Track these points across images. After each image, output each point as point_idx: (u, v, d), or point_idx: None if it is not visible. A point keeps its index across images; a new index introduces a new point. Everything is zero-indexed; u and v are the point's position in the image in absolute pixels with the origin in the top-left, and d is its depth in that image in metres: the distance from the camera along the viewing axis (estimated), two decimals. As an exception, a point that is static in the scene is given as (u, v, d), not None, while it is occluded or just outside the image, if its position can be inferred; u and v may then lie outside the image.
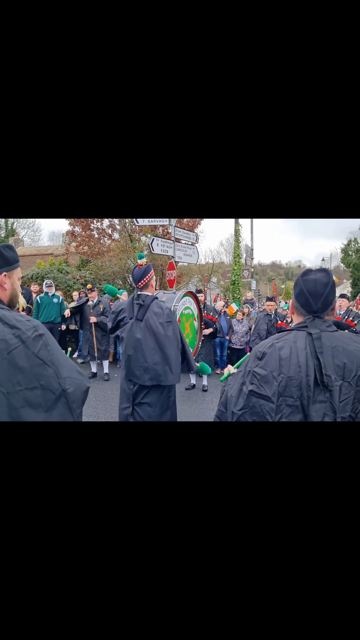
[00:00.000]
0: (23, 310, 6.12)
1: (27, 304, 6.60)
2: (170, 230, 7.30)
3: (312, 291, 1.13)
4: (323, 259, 28.09)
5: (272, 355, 1.11)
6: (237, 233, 9.18)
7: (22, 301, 6.08)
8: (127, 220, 11.88)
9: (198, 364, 2.92)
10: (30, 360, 1.02)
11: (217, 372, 6.99)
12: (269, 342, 1.16)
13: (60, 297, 6.73)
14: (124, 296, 7.06)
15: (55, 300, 6.52)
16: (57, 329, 6.50)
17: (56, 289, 7.36)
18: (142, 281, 2.44)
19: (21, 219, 22.79)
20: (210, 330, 5.60)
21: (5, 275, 1.15)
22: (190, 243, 7.77)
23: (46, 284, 6.62)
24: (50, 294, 6.50)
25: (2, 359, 0.98)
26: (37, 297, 6.52)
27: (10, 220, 21.66)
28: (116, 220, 12.58)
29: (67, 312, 6.13)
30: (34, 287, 7.29)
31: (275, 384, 1.07)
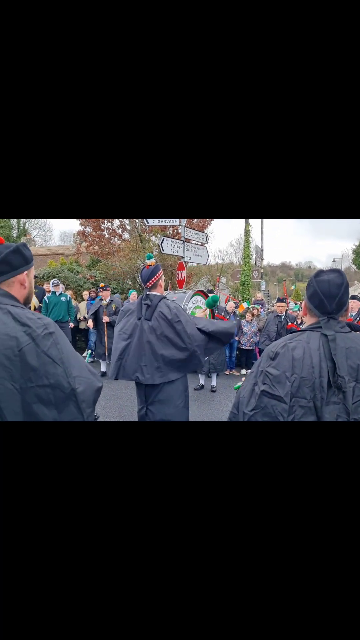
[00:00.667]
0: (35, 309, 6.19)
1: (40, 303, 6.67)
2: (180, 231, 7.32)
3: (326, 292, 1.12)
4: (334, 260, 27.78)
5: (285, 355, 1.10)
6: (247, 233, 9.14)
7: (34, 301, 6.16)
8: (137, 220, 11.94)
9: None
10: (40, 358, 1.03)
11: (226, 373, 6.97)
12: (282, 342, 1.15)
13: (68, 296, 6.78)
14: (133, 296, 7.12)
15: (63, 299, 6.58)
16: (66, 327, 6.55)
17: (66, 289, 7.43)
18: (150, 281, 2.44)
19: (33, 219, 23.08)
20: None
21: (25, 274, 1.19)
22: (200, 243, 7.78)
23: (53, 283, 6.66)
24: (57, 293, 6.55)
25: (14, 356, 0.99)
26: (45, 297, 6.58)
27: (22, 220, 21.94)
28: (126, 221, 12.65)
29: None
30: (46, 286, 7.37)
31: (288, 384, 1.06)
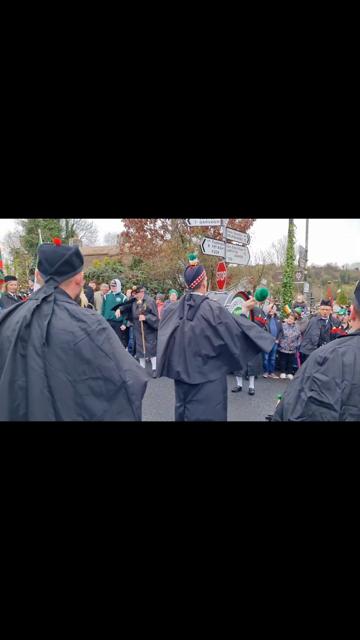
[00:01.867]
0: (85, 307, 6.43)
1: (89, 301, 6.97)
2: (221, 231, 7.30)
3: None
4: (385, 262, 26.05)
5: (335, 360, 1.05)
6: (290, 234, 8.87)
7: (84, 299, 6.42)
8: (179, 221, 12.06)
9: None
10: (94, 352, 1.10)
11: (264, 376, 6.84)
12: (330, 347, 1.10)
13: (124, 297, 6.98)
14: (172, 297, 7.22)
15: (118, 299, 6.77)
16: (118, 327, 6.70)
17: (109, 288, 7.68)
18: (194, 281, 2.48)
19: (80, 221, 24.07)
20: None
21: (81, 274, 1.29)
22: (241, 244, 7.71)
23: (111, 283, 6.93)
24: (114, 293, 6.77)
25: (69, 350, 1.07)
26: (105, 295, 6.81)
27: (70, 222, 22.99)
28: (168, 222, 12.83)
29: (117, 313, 6.39)
30: (92, 285, 7.70)
31: (338, 391, 1.01)
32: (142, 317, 6.01)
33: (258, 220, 13.31)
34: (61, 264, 1.20)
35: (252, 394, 5.56)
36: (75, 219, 23.30)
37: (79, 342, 1.09)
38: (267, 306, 6.93)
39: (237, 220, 12.38)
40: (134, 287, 6.48)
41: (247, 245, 7.93)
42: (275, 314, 6.88)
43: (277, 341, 6.75)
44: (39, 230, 7.91)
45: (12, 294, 5.53)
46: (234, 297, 3.58)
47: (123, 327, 7.11)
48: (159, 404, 4.92)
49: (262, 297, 2.69)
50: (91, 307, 6.80)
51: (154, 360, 6.44)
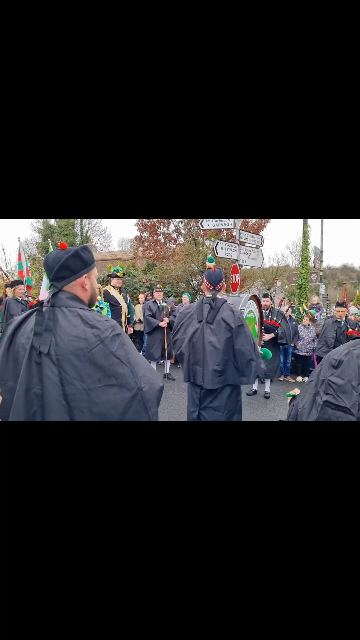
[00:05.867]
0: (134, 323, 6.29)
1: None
2: (234, 234, 7.26)
3: None
4: None
5: (350, 363, 1.04)
6: (305, 235, 8.76)
7: (137, 313, 6.26)
8: (192, 224, 12.08)
9: (262, 352, 2.85)
10: (108, 358, 1.08)
11: (280, 379, 6.75)
12: (345, 350, 1.09)
13: (128, 299, 7.06)
14: (185, 299, 7.21)
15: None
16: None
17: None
18: (220, 283, 2.46)
19: (95, 227, 24.45)
20: (271, 335, 5.38)
21: (85, 276, 1.22)
22: (255, 246, 7.65)
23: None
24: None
25: (83, 357, 1.06)
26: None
27: (85, 227, 23.36)
28: (182, 225, 12.87)
29: (137, 326, 6.37)
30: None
31: (355, 394, 1.00)
32: (165, 321, 5.96)
33: (272, 221, 13.18)
34: (58, 269, 1.17)
35: (267, 398, 5.49)
36: (90, 225, 23.68)
37: (93, 349, 1.08)
38: (282, 307, 6.84)
39: (251, 222, 12.31)
40: (160, 285, 6.39)
41: (261, 247, 7.87)
42: (290, 315, 6.80)
43: (292, 344, 6.66)
44: (51, 237, 8.05)
45: (20, 298, 5.74)
46: (248, 299, 3.55)
47: (131, 331, 7.15)
48: (173, 408, 4.91)
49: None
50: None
51: (167, 363, 6.45)
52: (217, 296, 2.47)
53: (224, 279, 2.48)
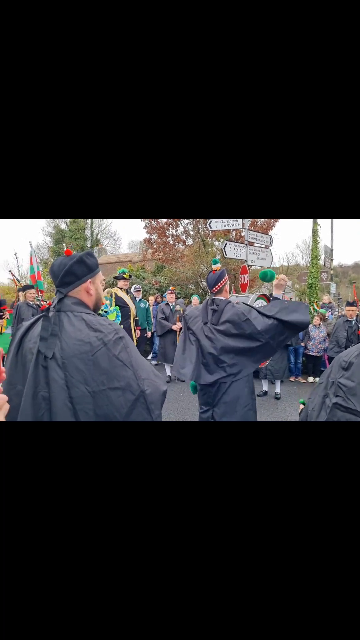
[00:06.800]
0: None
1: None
2: (243, 234, 7.25)
3: None
4: None
5: None
6: (315, 233, 8.66)
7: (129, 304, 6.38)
8: (200, 225, 12.09)
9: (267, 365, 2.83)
10: (111, 361, 1.11)
11: (291, 379, 6.69)
12: (355, 351, 1.07)
13: (147, 303, 7.03)
14: (194, 301, 7.21)
15: (142, 305, 6.84)
16: (143, 334, 6.69)
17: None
18: (216, 286, 2.47)
19: (104, 229, 24.68)
20: None
21: (90, 282, 1.26)
22: (264, 246, 7.61)
23: (134, 288, 6.95)
24: (137, 299, 6.79)
25: (87, 360, 1.09)
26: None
27: (95, 231, 23.59)
28: (190, 227, 12.88)
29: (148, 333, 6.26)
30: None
31: None
32: (178, 325, 5.94)
33: (281, 220, 13.08)
34: (63, 275, 1.21)
35: (278, 399, 5.45)
36: (100, 228, 23.90)
37: (96, 352, 1.10)
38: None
39: (260, 222, 12.24)
40: (172, 287, 6.34)
41: (270, 247, 7.82)
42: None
43: (302, 343, 6.59)
44: (63, 241, 8.17)
45: (31, 302, 5.82)
46: (256, 299, 3.54)
47: (149, 334, 7.14)
48: (183, 408, 4.92)
49: (265, 278, 2.54)
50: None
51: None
52: (221, 297, 2.48)
53: (223, 281, 2.47)
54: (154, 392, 1.16)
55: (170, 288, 6.75)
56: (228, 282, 2.61)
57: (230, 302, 2.48)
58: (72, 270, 1.21)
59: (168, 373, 6.48)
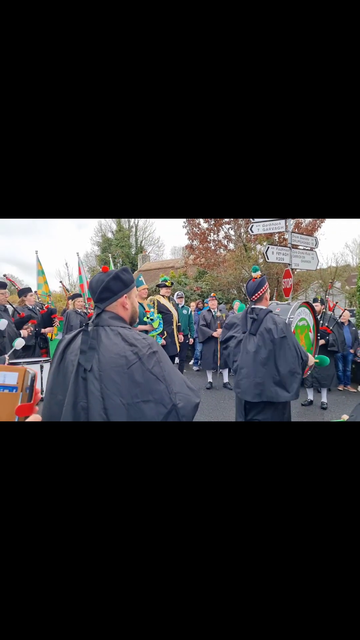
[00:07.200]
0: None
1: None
2: (286, 237, 7.05)
3: None
4: None
5: None
6: (365, 233, 8.17)
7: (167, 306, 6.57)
8: (242, 229, 11.97)
9: (317, 360, 2.75)
10: (145, 375, 1.15)
11: (340, 388, 6.35)
12: None
13: (189, 309, 7.09)
14: (236, 306, 7.13)
15: (184, 312, 6.88)
16: (185, 340, 6.73)
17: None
18: (256, 294, 2.44)
19: (148, 237, 25.37)
20: (321, 342, 5.02)
21: (125, 297, 1.31)
22: (309, 248, 7.34)
23: (177, 295, 7.04)
24: (180, 305, 6.82)
25: (123, 373, 1.13)
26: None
27: (140, 238, 24.30)
28: (231, 231, 12.80)
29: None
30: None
31: None
32: (219, 332, 5.93)
33: (327, 220, 12.53)
34: (101, 291, 1.27)
35: (324, 409, 5.20)
36: (144, 236, 24.55)
37: (131, 366, 1.15)
38: (344, 313, 6.41)
39: (304, 223, 11.84)
40: (213, 294, 6.33)
41: (315, 249, 7.52)
42: (349, 320, 6.38)
43: (352, 350, 6.24)
44: (109, 249, 8.52)
45: (80, 310, 6.09)
46: (299, 307, 3.42)
47: (191, 341, 7.09)
48: (224, 417, 4.88)
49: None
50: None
51: (209, 373, 6.43)
52: (262, 306, 2.44)
53: (263, 289, 2.43)
54: (186, 405, 1.18)
55: (212, 295, 6.73)
56: (268, 290, 2.56)
57: (271, 311, 2.43)
58: (108, 286, 1.28)
59: (209, 379, 6.46)
